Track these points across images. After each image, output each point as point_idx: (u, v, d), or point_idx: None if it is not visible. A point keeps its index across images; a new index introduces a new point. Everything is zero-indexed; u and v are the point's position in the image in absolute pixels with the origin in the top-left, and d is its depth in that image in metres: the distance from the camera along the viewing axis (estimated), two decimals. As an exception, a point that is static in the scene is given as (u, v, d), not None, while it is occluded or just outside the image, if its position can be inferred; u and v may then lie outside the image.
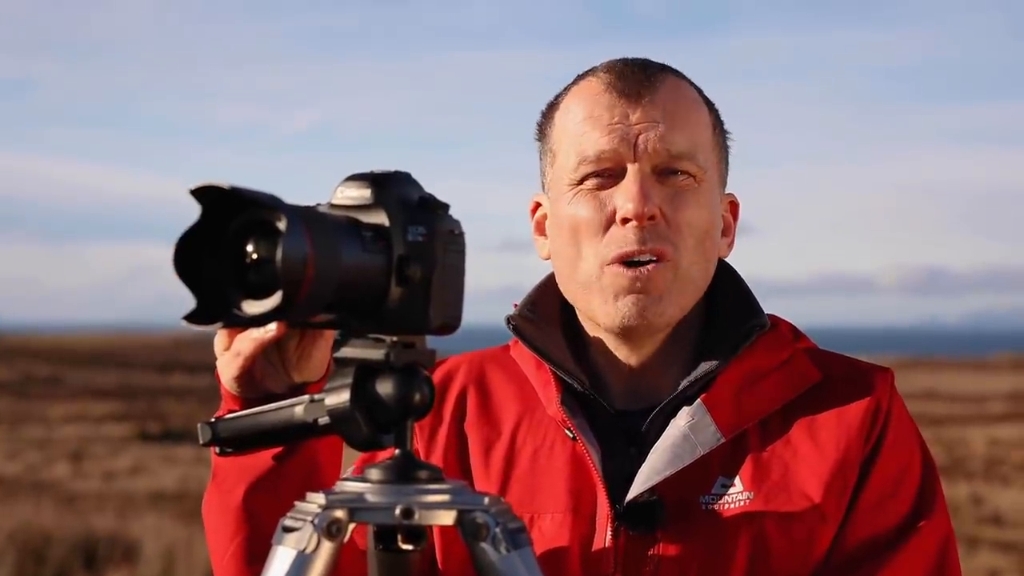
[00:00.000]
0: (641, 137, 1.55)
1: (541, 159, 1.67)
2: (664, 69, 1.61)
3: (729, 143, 1.66)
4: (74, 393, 31.20)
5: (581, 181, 1.57)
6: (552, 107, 1.65)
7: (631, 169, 1.55)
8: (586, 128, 1.57)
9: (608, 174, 1.56)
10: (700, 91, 1.63)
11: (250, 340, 1.39)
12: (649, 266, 1.54)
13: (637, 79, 1.57)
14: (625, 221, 1.54)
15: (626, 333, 1.58)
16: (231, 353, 1.41)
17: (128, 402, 28.59)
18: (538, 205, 1.68)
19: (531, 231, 1.69)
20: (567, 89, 1.64)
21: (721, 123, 1.65)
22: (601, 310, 1.57)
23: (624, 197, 1.54)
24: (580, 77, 1.63)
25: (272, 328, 1.37)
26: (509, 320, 1.64)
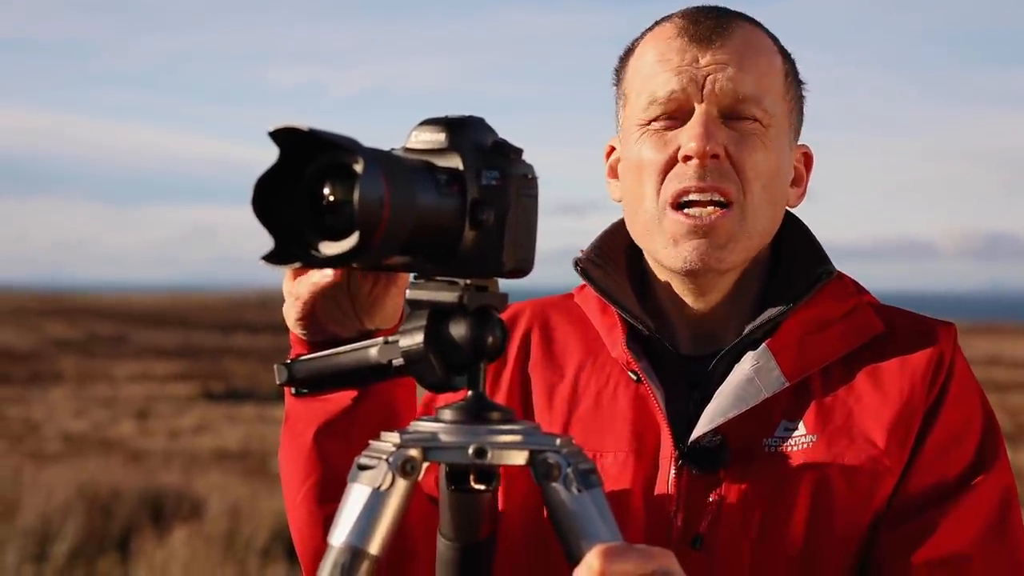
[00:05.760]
0: (709, 79, 1.56)
1: (616, 103, 1.69)
2: (739, 16, 1.62)
3: (804, 94, 1.66)
4: (138, 352, 31.60)
5: (649, 122, 1.59)
6: (628, 52, 1.67)
7: (697, 109, 1.56)
8: (657, 70, 1.59)
9: (676, 115, 1.58)
10: (775, 39, 1.64)
11: (308, 284, 1.41)
12: (712, 214, 1.55)
13: (710, 25, 1.59)
14: (687, 159, 1.55)
15: (691, 276, 1.59)
16: (292, 296, 1.44)
17: (192, 361, 28.92)
18: (612, 149, 1.70)
19: (605, 174, 1.71)
20: (643, 35, 1.66)
21: (795, 72, 1.65)
22: (663, 252, 1.58)
23: (688, 136, 1.55)
24: (656, 23, 1.65)
25: (329, 273, 1.39)
26: (577, 263, 1.65)
